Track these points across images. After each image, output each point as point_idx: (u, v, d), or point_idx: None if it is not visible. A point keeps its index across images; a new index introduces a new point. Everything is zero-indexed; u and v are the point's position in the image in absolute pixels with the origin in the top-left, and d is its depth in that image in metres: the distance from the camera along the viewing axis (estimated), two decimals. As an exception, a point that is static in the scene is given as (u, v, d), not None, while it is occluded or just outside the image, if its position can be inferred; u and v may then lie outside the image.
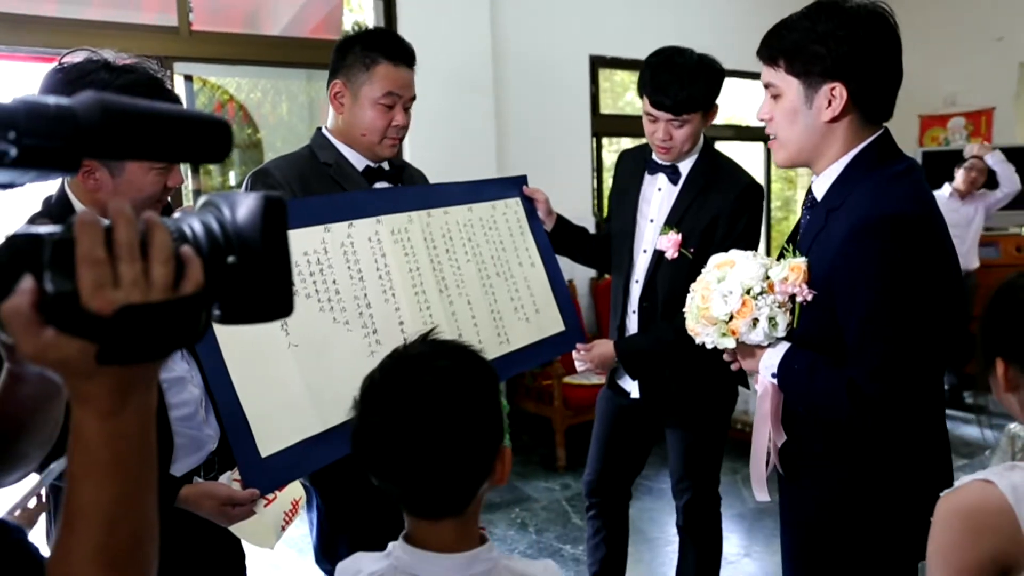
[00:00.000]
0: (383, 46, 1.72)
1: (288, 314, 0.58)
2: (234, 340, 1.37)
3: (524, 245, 1.99)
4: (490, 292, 1.87)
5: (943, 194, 4.66)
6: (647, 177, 2.07)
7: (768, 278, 1.29)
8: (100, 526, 0.52)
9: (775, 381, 1.32)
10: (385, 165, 1.83)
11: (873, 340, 1.20)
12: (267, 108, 5.26)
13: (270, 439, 1.38)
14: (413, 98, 1.78)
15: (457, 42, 3.91)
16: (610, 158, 5.06)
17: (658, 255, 1.98)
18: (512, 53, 4.16)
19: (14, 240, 0.50)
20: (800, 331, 1.30)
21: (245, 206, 0.55)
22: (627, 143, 4.28)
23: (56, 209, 1.24)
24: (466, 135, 3.93)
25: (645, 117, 1.95)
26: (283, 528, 1.47)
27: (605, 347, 2.03)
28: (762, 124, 1.37)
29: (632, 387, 2.11)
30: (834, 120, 1.25)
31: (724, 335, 1.32)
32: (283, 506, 1.46)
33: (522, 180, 2.06)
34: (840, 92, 1.23)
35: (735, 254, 1.36)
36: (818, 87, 1.24)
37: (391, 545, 0.94)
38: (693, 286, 1.40)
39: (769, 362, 1.32)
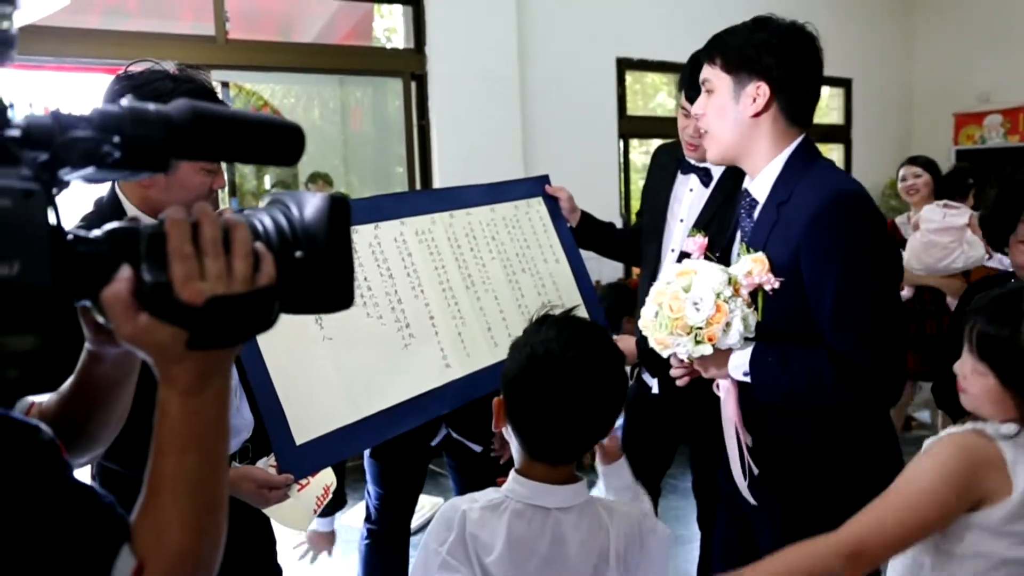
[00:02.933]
0: None
1: (349, 306, 0.62)
2: (271, 334, 1.43)
3: (548, 242, 2.04)
4: (516, 287, 1.92)
5: None
6: (680, 176, 2.08)
7: (732, 281, 1.33)
8: (182, 493, 0.58)
9: (747, 379, 1.35)
10: None
11: (853, 310, 1.27)
12: (300, 113, 5.39)
13: (305, 428, 1.44)
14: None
15: (484, 45, 3.97)
16: (639, 159, 5.08)
17: (684, 256, 2.00)
18: (538, 56, 4.21)
19: (114, 233, 0.55)
20: (766, 324, 1.34)
21: (312, 205, 0.59)
22: (657, 145, 4.29)
23: (108, 209, 1.33)
24: (493, 137, 3.99)
25: (680, 111, 1.97)
26: (315, 512, 1.54)
27: (627, 343, 2.06)
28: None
29: (653, 383, 2.14)
30: (757, 115, 1.38)
31: (700, 342, 1.32)
32: (316, 491, 1.53)
33: (544, 179, 2.11)
34: (764, 91, 1.36)
35: (695, 263, 1.40)
36: (746, 84, 1.37)
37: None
38: (651, 297, 1.40)
39: (739, 362, 1.35)
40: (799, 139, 1.40)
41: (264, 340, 1.43)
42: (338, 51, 4.18)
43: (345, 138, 5.62)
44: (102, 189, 1.40)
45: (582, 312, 2.04)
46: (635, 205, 4.52)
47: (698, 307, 1.32)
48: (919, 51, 6.06)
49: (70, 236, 0.53)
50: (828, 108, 5.96)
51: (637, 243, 2.20)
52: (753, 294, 1.34)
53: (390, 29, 4.58)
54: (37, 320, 0.49)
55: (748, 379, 1.35)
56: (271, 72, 4.11)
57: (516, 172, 3.85)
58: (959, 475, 1.05)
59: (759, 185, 1.42)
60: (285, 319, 1.59)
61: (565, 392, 1.03)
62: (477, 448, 2.04)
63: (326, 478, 1.56)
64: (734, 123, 1.39)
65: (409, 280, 1.70)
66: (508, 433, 1.11)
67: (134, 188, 1.33)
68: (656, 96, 5.49)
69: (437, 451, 2.17)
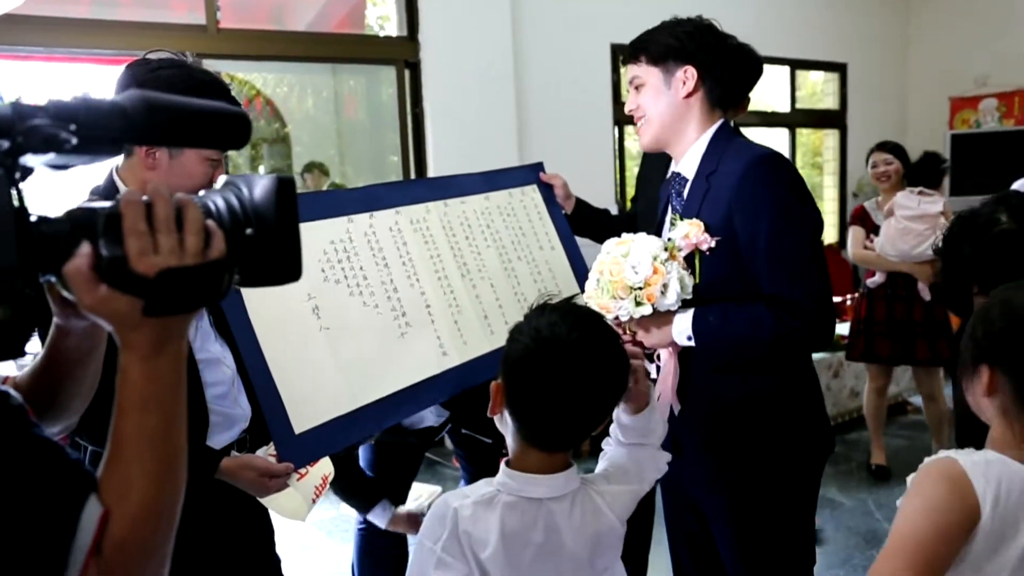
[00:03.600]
0: None
1: (297, 278, 0.67)
2: (268, 323, 1.44)
3: (543, 229, 2.04)
4: (512, 275, 1.92)
5: None
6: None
7: (668, 247, 1.43)
8: (143, 449, 0.63)
9: (691, 343, 1.44)
10: None
11: (785, 252, 1.38)
12: (293, 103, 5.37)
13: (303, 417, 1.44)
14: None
15: (478, 31, 3.95)
16: (634, 146, 5.07)
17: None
18: (533, 43, 4.19)
19: (73, 213, 0.59)
20: (704, 288, 1.44)
21: (260, 186, 0.65)
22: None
23: (104, 196, 1.33)
24: (487, 124, 3.97)
25: None
26: (314, 501, 1.54)
27: None
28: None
29: (651, 368, 2.14)
30: (689, 96, 1.51)
31: (640, 303, 1.42)
32: (314, 480, 1.53)
33: (538, 167, 2.10)
34: (692, 73, 1.50)
35: (632, 235, 1.50)
36: (674, 71, 1.52)
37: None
38: (593, 269, 1.51)
39: (682, 327, 1.44)
40: (720, 121, 1.54)
41: (261, 331, 1.42)
42: (331, 39, 4.15)
43: (339, 127, 5.60)
44: (100, 178, 1.40)
45: (580, 300, 2.04)
46: (630, 191, 4.52)
47: (636, 270, 1.41)
48: (915, 35, 6.05)
49: (33, 217, 0.57)
50: (823, 94, 5.95)
51: (632, 229, 2.19)
52: (689, 258, 1.44)
53: (383, 17, 4.55)
54: (5, 294, 0.54)
55: (692, 342, 1.43)
56: (263, 61, 4.08)
57: (511, 159, 3.84)
58: (945, 498, 0.98)
59: (687, 163, 1.54)
60: (282, 312, 1.58)
61: (570, 374, 1.03)
62: (488, 440, 2.05)
63: (324, 468, 1.57)
64: (668, 105, 1.52)
65: (405, 269, 1.70)
66: (504, 420, 1.10)
67: (136, 174, 1.33)
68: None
69: (438, 441, 2.18)
